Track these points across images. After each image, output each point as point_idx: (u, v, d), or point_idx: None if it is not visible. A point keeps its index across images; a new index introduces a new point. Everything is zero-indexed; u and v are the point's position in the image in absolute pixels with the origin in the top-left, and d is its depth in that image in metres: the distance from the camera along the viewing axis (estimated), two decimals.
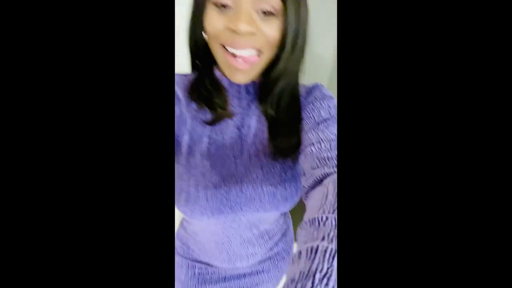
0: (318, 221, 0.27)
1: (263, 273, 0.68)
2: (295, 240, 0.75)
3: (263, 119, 0.50)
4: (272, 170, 0.50)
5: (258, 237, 0.60)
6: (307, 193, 0.38)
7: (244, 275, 0.66)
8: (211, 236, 0.58)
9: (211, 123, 0.50)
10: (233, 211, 0.50)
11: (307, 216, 0.30)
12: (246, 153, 0.50)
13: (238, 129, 0.51)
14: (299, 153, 0.47)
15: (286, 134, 0.48)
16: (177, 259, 0.68)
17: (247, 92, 0.49)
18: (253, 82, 0.49)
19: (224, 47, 0.41)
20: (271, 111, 0.48)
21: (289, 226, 0.71)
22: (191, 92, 0.49)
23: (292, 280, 0.23)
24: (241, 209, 0.50)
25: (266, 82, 0.46)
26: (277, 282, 0.73)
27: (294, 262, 0.25)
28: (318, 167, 0.37)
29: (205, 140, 0.50)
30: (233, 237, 0.57)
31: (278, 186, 0.50)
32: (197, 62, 0.50)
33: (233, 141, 0.50)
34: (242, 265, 0.64)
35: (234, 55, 0.41)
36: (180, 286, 0.67)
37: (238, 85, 0.48)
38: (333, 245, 0.24)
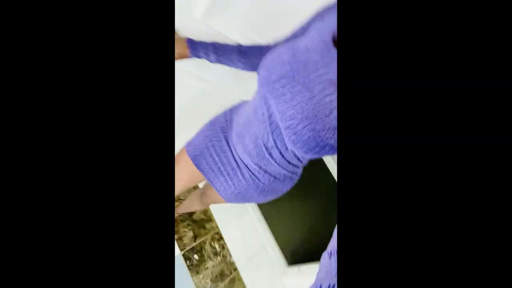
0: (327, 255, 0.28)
1: (240, 175, 0.74)
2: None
3: None
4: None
5: (260, 145, 0.64)
6: None
7: (235, 160, 0.74)
8: (251, 108, 0.66)
9: None
10: (274, 92, 0.54)
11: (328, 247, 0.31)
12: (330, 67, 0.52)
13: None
14: None
15: None
16: (227, 110, 0.81)
17: None
18: None
19: None
20: None
21: (284, 184, 0.77)
22: None
23: None
24: (279, 98, 0.54)
25: None
26: (236, 195, 0.78)
27: None
28: None
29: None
30: (251, 122, 0.64)
31: (327, 119, 0.50)
32: None
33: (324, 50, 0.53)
34: (239, 151, 0.71)
35: None
36: (202, 137, 0.79)
37: None
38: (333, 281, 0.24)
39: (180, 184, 0.88)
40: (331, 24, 0.54)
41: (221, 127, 0.77)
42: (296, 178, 0.79)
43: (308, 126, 0.51)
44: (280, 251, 1.71)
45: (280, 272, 1.66)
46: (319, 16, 0.60)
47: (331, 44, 0.52)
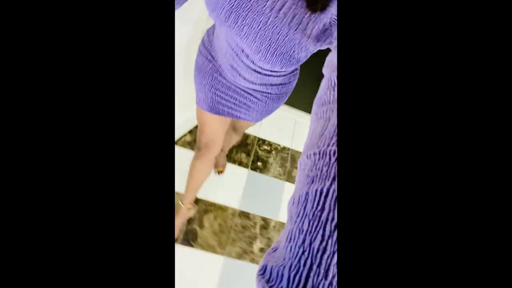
0: (317, 155, 0.25)
1: (255, 99, 0.83)
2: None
3: None
4: (292, 16, 0.50)
5: (253, 70, 0.69)
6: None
7: (243, 90, 0.80)
8: (224, 42, 0.68)
9: None
10: (232, 30, 0.54)
11: (307, 146, 0.27)
12: None
13: None
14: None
15: None
16: (201, 48, 0.82)
17: None
18: None
19: None
20: None
21: (291, 82, 0.83)
22: None
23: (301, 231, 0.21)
24: (239, 35, 0.54)
25: None
26: (261, 113, 0.90)
27: (296, 203, 0.23)
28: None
29: None
30: (236, 54, 0.67)
31: (289, 36, 0.51)
32: None
33: None
34: (241, 83, 0.77)
35: None
36: (202, 88, 0.83)
37: None
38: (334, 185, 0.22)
39: (219, 132, 0.97)
40: None
41: (210, 69, 0.80)
42: (295, 70, 0.82)
43: (277, 50, 0.52)
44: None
45: None
46: None
47: None
